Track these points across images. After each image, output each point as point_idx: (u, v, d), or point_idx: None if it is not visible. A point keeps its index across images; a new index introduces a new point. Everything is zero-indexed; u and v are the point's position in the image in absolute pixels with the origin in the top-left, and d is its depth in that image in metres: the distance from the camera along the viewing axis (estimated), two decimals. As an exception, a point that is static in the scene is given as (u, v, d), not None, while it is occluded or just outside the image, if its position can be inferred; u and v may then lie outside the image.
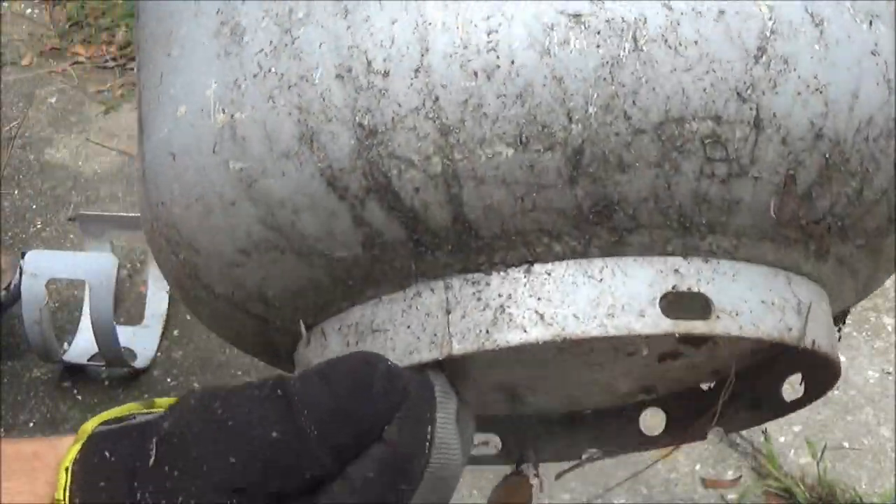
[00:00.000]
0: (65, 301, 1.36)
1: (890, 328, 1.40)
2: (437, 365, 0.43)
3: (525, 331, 0.40)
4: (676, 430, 0.58)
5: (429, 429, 0.41)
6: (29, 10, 2.06)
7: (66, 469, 0.46)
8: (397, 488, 0.41)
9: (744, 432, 1.24)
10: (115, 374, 1.26)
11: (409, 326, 0.43)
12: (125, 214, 1.37)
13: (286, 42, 0.42)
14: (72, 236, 1.47)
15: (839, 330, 0.54)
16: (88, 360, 1.25)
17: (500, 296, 0.41)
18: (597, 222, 0.41)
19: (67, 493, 0.45)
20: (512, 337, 0.40)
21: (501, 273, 0.42)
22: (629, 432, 0.60)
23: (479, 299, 0.42)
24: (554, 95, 0.39)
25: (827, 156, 0.41)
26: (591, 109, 0.39)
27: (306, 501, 0.42)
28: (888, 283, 1.53)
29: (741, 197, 0.41)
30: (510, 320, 0.41)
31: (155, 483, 0.44)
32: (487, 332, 0.41)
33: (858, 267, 0.48)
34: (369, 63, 0.40)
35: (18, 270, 1.15)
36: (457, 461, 0.42)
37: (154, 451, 0.44)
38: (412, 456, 0.41)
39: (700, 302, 0.42)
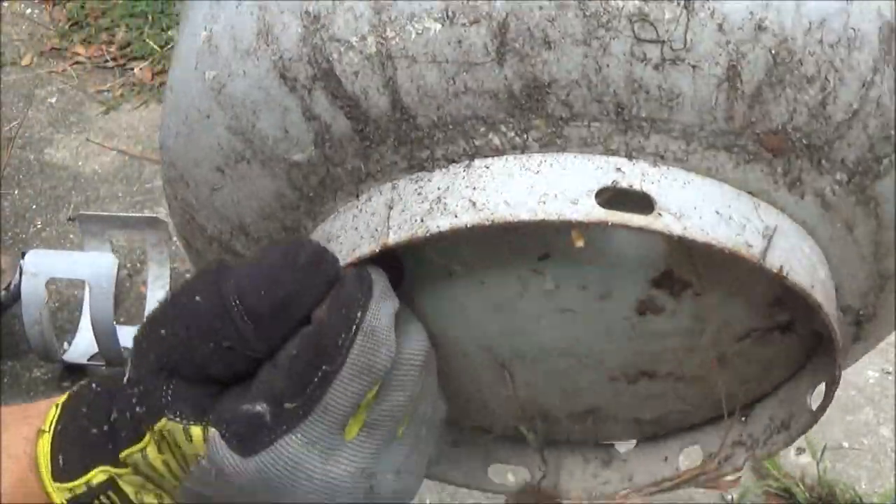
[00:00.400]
0: (65, 301, 1.36)
1: (890, 328, 1.40)
2: (381, 266, 0.43)
3: (456, 216, 0.40)
4: (712, 463, 0.57)
5: (358, 314, 0.41)
6: (29, 10, 2.06)
7: (57, 405, 0.47)
8: (319, 367, 0.40)
9: (744, 432, 1.24)
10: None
11: (356, 228, 0.44)
12: (125, 214, 1.37)
13: None
14: (72, 236, 1.47)
15: (856, 326, 0.51)
16: (88, 360, 1.25)
17: (438, 189, 0.42)
18: (530, 108, 0.41)
19: (53, 423, 0.46)
20: (443, 223, 0.41)
21: (443, 169, 0.42)
22: (665, 470, 0.59)
23: (419, 194, 0.42)
24: None
25: (773, 52, 0.40)
26: None
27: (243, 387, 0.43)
28: (888, 283, 1.53)
29: (680, 88, 0.41)
30: (444, 209, 0.41)
31: (124, 395, 0.44)
32: (422, 220, 0.41)
33: (851, 217, 0.46)
34: None
35: (18, 270, 1.16)
36: (386, 353, 0.41)
37: (130, 366, 0.45)
38: (335, 335, 0.40)
39: (643, 202, 0.41)
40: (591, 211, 0.40)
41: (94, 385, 0.47)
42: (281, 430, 0.41)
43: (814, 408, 0.51)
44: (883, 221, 0.47)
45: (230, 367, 0.43)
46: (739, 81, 0.41)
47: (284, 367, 0.41)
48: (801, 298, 0.44)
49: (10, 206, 1.54)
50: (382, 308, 0.42)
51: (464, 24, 0.40)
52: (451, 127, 0.42)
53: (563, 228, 0.41)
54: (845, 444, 1.24)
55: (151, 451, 0.44)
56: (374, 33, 0.41)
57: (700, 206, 0.41)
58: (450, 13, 0.40)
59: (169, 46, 1.86)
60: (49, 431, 0.47)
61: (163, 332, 0.43)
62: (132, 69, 1.87)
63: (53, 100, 1.81)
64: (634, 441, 0.61)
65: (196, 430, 0.42)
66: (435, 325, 0.47)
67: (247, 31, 0.44)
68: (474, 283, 0.47)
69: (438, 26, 0.40)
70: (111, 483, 0.46)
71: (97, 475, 0.46)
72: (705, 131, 0.42)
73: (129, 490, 0.46)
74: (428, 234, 0.41)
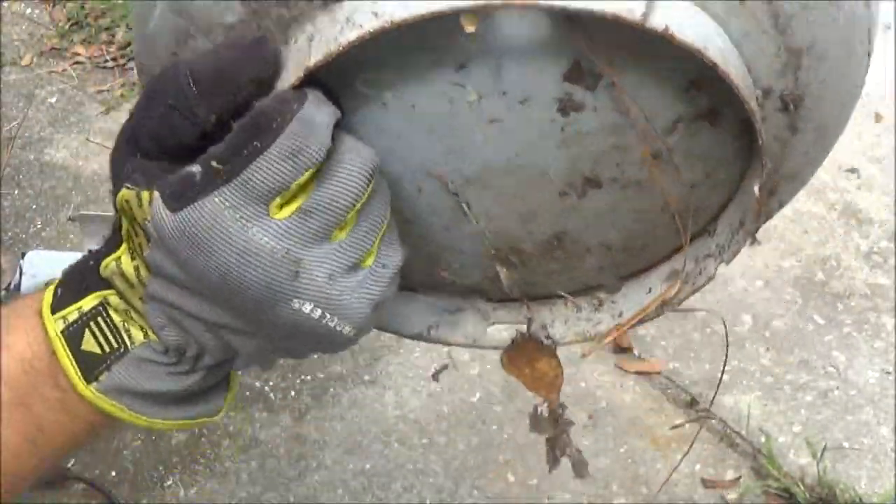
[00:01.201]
0: (65, 301, 1.37)
1: (890, 328, 1.40)
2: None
3: (362, 27, 0.44)
4: (683, 278, 0.59)
5: (295, 106, 0.45)
6: (29, 10, 2.06)
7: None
8: (252, 142, 0.44)
9: (743, 432, 1.24)
10: (114, 374, 1.26)
11: (286, 67, 0.48)
12: (125, 214, 1.37)
13: None
14: (72, 236, 1.47)
15: (785, 112, 0.52)
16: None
17: (347, 11, 0.46)
18: None
19: (51, 293, 0.50)
20: (351, 35, 0.44)
21: None
22: (650, 300, 0.61)
23: (333, 21, 0.46)
24: None
25: None
26: None
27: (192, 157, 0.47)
28: (888, 283, 1.53)
29: None
30: (353, 24, 0.45)
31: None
32: (335, 39, 0.45)
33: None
34: None
35: (18, 270, 1.16)
36: (318, 143, 0.45)
37: None
38: (272, 118, 0.45)
39: None
40: None
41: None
42: (206, 190, 0.45)
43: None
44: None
45: (178, 136, 0.46)
46: None
47: (224, 140, 0.45)
48: (712, 71, 0.46)
49: (10, 206, 1.55)
50: (321, 107, 0.46)
51: None
52: None
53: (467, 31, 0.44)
54: (845, 444, 1.24)
55: (125, 259, 0.49)
56: None
57: None
58: None
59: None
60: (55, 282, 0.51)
61: (132, 111, 0.48)
62: (132, 69, 1.87)
63: (53, 100, 1.81)
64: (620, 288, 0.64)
65: (146, 195, 0.46)
66: (383, 162, 0.50)
67: None
68: (406, 109, 0.50)
69: None
70: (102, 309, 0.50)
71: (89, 301, 0.50)
72: None
73: (117, 319, 0.50)
74: (340, 48, 0.44)
